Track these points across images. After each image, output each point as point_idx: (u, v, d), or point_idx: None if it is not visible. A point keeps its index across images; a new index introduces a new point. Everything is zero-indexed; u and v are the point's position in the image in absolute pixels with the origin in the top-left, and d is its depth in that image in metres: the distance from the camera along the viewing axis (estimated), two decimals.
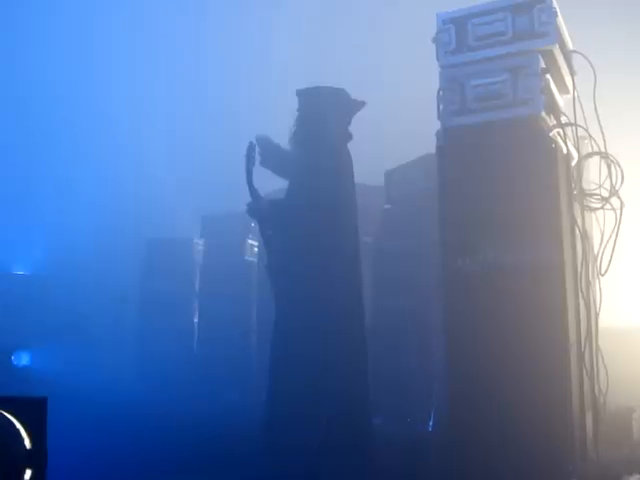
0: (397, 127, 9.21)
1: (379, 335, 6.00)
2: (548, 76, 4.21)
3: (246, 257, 9.20)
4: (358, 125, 5.38)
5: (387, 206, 6.68)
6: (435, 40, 4.46)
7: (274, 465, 4.62)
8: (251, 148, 5.09)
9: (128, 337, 10.32)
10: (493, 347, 4.03)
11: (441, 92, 4.41)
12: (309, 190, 5.08)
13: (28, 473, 2.35)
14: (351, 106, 5.29)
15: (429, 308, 5.40)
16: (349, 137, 5.30)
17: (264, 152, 5.45)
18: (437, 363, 4.84)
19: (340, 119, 5.26)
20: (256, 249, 8.90)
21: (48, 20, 13.08)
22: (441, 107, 4.41)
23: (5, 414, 2.43)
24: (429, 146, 4.69)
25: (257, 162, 5.14)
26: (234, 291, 8.82)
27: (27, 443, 2.42)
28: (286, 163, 5.43)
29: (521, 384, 3.91)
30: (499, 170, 4.17)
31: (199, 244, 10.13)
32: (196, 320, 9.85)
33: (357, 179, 5.33)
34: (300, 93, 5.24)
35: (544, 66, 4.16)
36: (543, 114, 4.14)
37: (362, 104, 5.30)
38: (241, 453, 4.90)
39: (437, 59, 4.45)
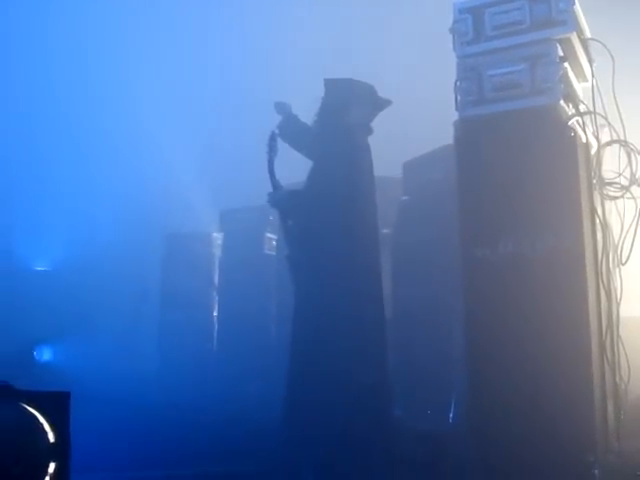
0: (414, 118, 9.17)
1: (398, 326, 6.00)
2: (566, 64, 4.18)
3: (265, 250, 9.20)
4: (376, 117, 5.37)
5: (405, 197, 6.67)
6: (452, 30, 4.43)
7: (292, 456, 4.64)
8: (273, 138, 5.11)
9: (148, 331, 10.39)
10: (512, 337, 4.01)
11: (458, 82, 4.39)
12: (328, 182, 5.09)
13: (52, 467, 2.37)
14: (377, 103, 5.29)
15: (448, 299, 5.39)
16: (370, 131, 5.31)
17: (284, 120, 5.47)
18: (457, 354, 4.83)
19: (363, 114, 5.26)
20: (275, 242, 8.90)
21: (77, 12, 13.20)
22: (459, 97, 4.39)
23: (29, 408, 2.45)
24: (447, 137, 4.66)
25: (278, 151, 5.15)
26: (253, 284, 8.83)
27: (51, 437, 2.44)
28: (303, 135, 5.44)
29: (542, 374, 3.89)
30: (518, 160, 4.14)
31: (218, 238, 10.16)
32: (215, 314, 9.88)
33: (375, 171, 5.32)
34: (327, 82, 5.25)
35: (562, 54, 4.13)
36: (562, 103, 4.11)
37: (388, 103, 5.29)
38: (260, 445, 4.93)
39: (454, 49, 4.43)
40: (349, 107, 5.20)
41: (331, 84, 5.24)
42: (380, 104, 5.29)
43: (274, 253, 8.87)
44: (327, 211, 5.02)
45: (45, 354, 10.11)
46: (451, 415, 5.42)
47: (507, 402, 3.97)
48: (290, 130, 5.48)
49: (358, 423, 4.71)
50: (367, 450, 4.58)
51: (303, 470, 4.51)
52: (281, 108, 5.53)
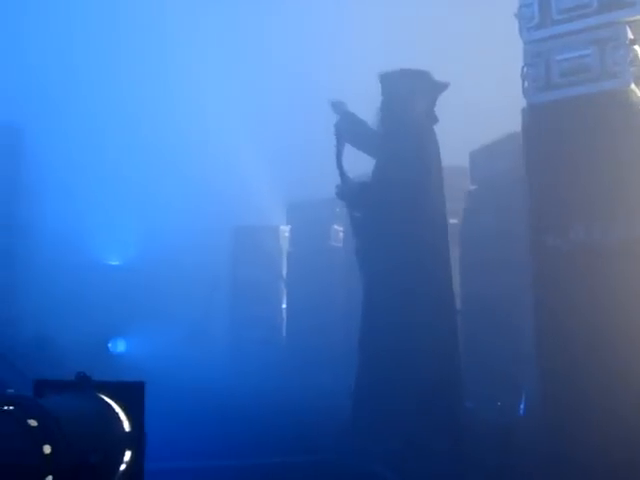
0: (480, 107, 9.06)
1: (468, 318, 5.96)
2: (637, 47, 4.07)
3: (332, 242, 9.26)
4: (440, 106, 5.35)
5: (473, 187, 6.61)
6: (518, 15, 4.36)
7: (363, 448, 4.66)
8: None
9: (219, 323, 10.57)
10: (583, 327, 3.94)
11: (525, 68, 4.32)
12: (396, 174, 5.10)
13: (127, 455, 2.42)
14: (435, 88, 5.27)
15: (517, 289, 5.31)
16: (435, 120, 5.29)
17: (341, 119, 5.50)
18: (526, 346, 4.76)
19: (425, 101, 5.25)
20: (342, 234, 8.95)
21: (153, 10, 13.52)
22: (526, 83, 4.32)
23: (105, 398, 2.51)
24: (514, 125, 4.60)
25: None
26: (320, 276, 8.90)
27: (126, 426, 2.49)
28: (366, 134, 5.47)
29: (613, 363, 3.81)
30: (587, 146, 4.06)
31: (285, 231, 10.28)
32: (284, 306, 9.99)
33: (442, 161, 5.29)
34: (384, 77, 5.25)
35: (632, 37, 4.02)
36: (633, 86, 4.01)
37: (446, 85, 5.27)
38: (328, 436, 4.96)
39: (520, 35, 4.35)
40: (410, 98, 5.19)
41: (387, 79, 5.25)
42: (439, 87, 5.28)
43: (341, 245, 8.92)
44: (395, 202, 5.03)
45: (120, 346, 10.36)
46: (522, 407, 5.36)
47: (581, 394, 3.91)
48: (348, 128, 5.51)
49: (430, 416, 4.71)
50: (439, 442, 4.56)
51: (375, 461, 4.52)
52: (337, 107, 5.55)
